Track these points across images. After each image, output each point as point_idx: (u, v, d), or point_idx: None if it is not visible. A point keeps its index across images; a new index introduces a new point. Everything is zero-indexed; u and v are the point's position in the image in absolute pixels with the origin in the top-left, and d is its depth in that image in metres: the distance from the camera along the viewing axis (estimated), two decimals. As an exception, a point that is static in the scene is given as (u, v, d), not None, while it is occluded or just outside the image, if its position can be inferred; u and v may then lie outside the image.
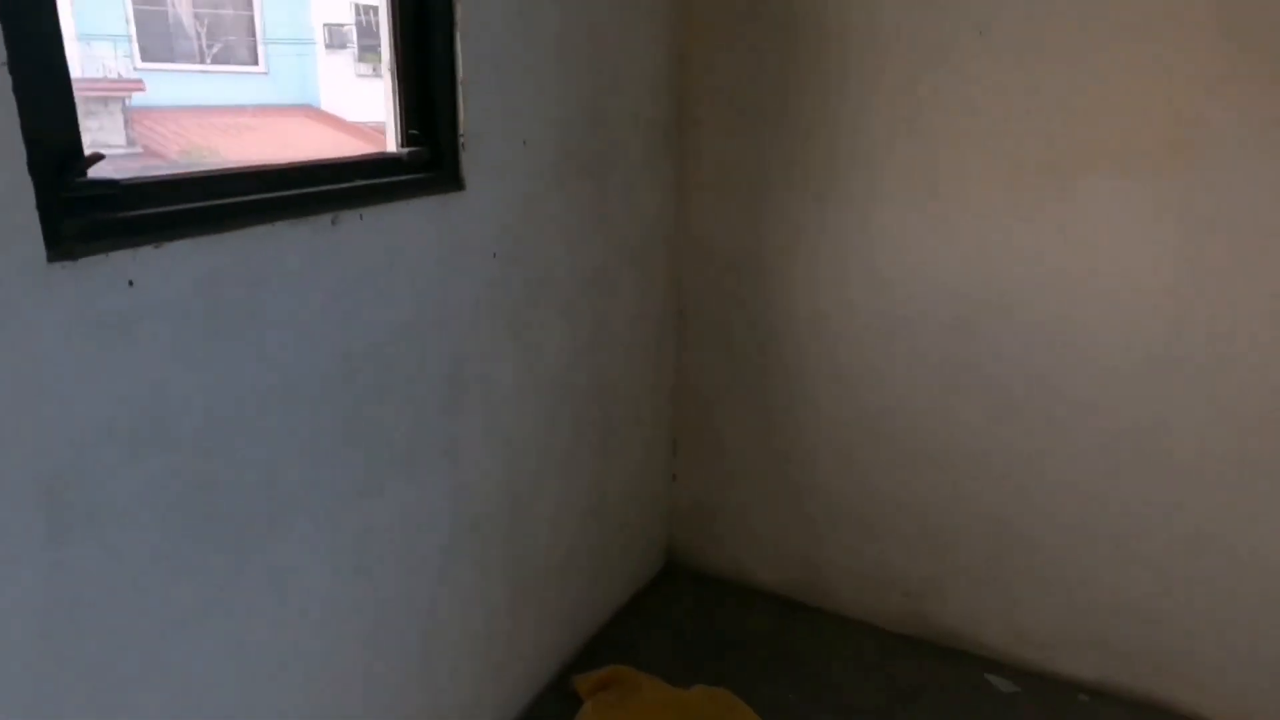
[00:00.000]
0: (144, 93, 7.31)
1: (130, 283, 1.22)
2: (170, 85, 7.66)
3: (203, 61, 8.23)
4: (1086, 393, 2.27)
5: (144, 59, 7.88)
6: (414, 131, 1.72)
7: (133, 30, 7.77)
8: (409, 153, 1.71)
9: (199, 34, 8.17)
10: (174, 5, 8.24)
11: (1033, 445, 2.36)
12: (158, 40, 8.07)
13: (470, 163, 1.80)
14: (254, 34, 8.34)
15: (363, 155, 1.64)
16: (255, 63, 8.41)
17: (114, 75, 7.42)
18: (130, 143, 7.33)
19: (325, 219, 1.50)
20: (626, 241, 2.41)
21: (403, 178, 1.69)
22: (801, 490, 2.71)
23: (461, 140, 1.78)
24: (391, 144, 1.75)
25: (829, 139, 2.41)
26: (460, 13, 1.71)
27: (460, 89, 1.75)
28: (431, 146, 1.75)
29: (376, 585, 1.74)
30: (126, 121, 7.27)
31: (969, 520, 2.50)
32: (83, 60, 7.38)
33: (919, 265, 2.39)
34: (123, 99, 7.15)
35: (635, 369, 2.58)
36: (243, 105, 7.92)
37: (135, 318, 1.24)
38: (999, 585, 2.51)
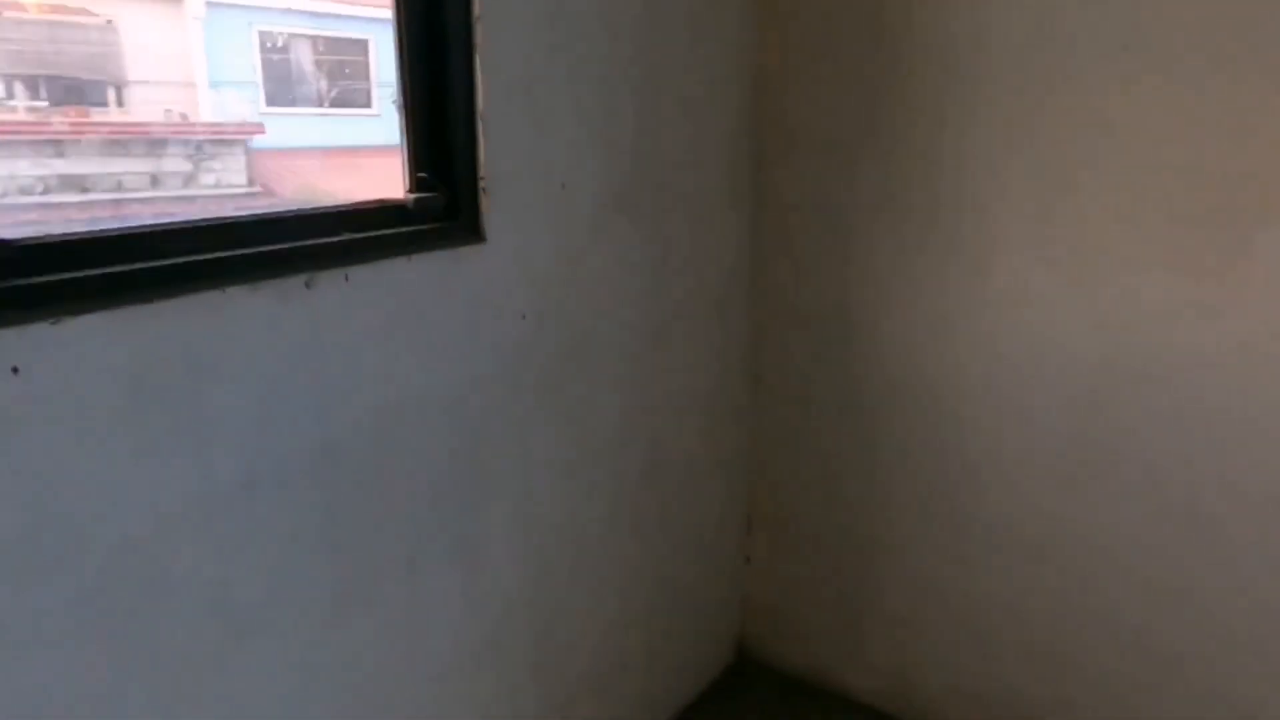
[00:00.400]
0: (264, 135, 7.48)
1: (14, 370, 0.94)
2: (289, 128, 7.83)
3: (321, 105, 8.40)
4: (1271, 491, 1.73)
5: (268, 104, 8.10)
6: (423, 175, 1.41)
7: (259, 77, 8.00)
8: (417, 199, 1.40)
9: (318, 80, 8.35)
10: (296, 53, 8.45)
11: (1197, 554, 1.82)
12: (281, 86, 8.28)
13: (494, 209, 1.48)
14: (369, 78, 8.45)
15: (356, 204, 1.34)
16: (369, 105, 8.52)
17: (238, 120, 7.61)
18: (250, 182, 7.49)
19: (297, 281, 1.20)
20: (690, 295, 2.03)
21: (408, 229, 1.38)
22: (895, 583, 2.24)
23: (482, 184, 1.46)
24: (400, 189, 1.45)
25: (931, 177, 1.98)
26: (481, 34, 1.40)
27: (481, 123, 1.43)
28: (447, 191, 1.44)
29: None
30: (248, 163, 7.44)
31: (1106, 633, 1.97)
32: (213, 106, 7.61)
33: (1043, 327, 1.91)
34: (245, 141, 7.33)
35: (701, 439, 2.19)
36: (355, 146, 8.01)
37: (22, 413, 0.95)
38: (1145, 711, 1.97)
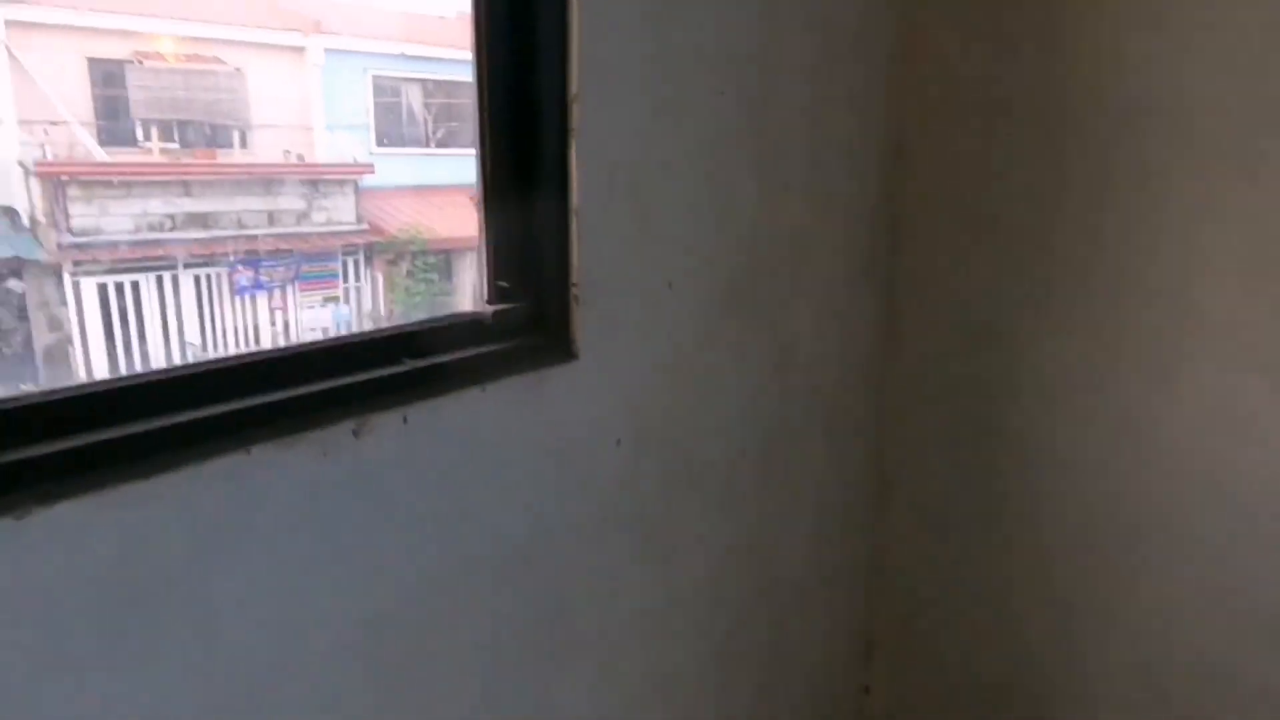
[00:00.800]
0: (373, 175, 7.56)
1: (-38, 582, 0.71)
2: (397, 167, 7.90)
3: (427, 145, 8.48)
4: None
5: (378, 145, 8.22)
6: (504, 283, 1.14)
7: (371, 120, 8.13)
8: (495, 312, 1.13)
9: (426, 121, 8.44)
10: (407, 96, 8.57)
11: None
12: (391, 128, 8.40)
13: (587, 320, 1.19)
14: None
15: (421, 322, 1.07)
16: (474, 146, 8.52)
17: (350, 160, 7.74)
18: (359, 220, 7.59)
19: (342, 430, 0.94)
20: (810, 399, 1.70)
21: (483, 349, 1.11)
22: (1047, 739, 1.83)
23: (574, 291, 1.18)
24: (475, 298, 1.19)
25: (1108, 259, 1.59)
26: (579, 115, 1.12)
27: (575, 219, 1.15)
28: (531, 301, 1.16)
29: None
30: (357, 200, 7.54)
31: None
32: (327, 147, 7.78)
33: (1255, 456, 1.49)
34: (355, 181, 7.43)
35: (816, 558, 1.84)
36: (460, 185, 8.03)
37: (-29, 634, 0.71)
38: None
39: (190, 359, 6.67)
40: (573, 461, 1.21)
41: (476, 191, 1.11)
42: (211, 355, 6.61)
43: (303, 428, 0.90)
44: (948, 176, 1.75)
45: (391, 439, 0.98)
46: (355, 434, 0.95)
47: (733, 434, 1.50)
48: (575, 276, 1.16)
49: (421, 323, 1.07)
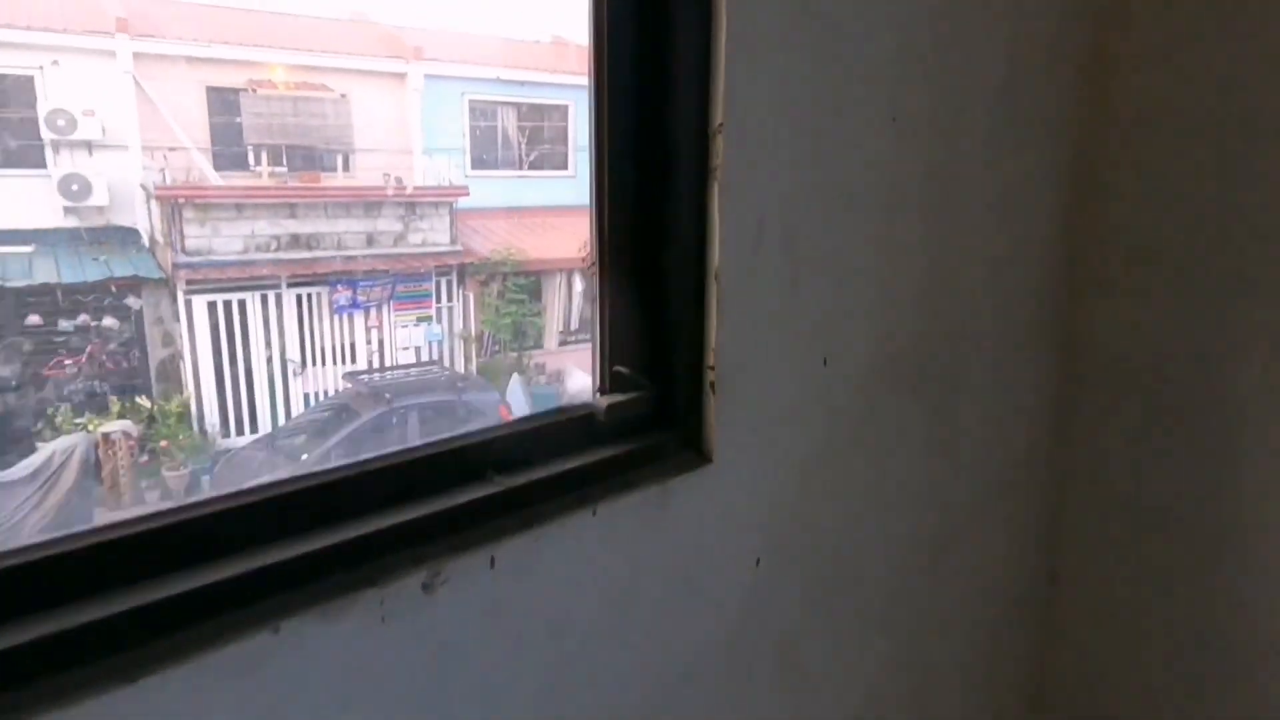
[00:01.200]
0: (467, 197, 7.51)
1: None
2: (490, 189, 7.85)
3: (520, 168, 8.41)
4: None
5: (473, 168, 8.18)
6: (622, 369, 0.86)
7: (466, 144, 8.11)
8: (611, 406, 0.84)
9: (520, 144, 8.37)
10: (502, 120, 8.51)
11: None
12: (486, 151, 8.36)
13: (725, 411, 0.89)
14: (567, 142, 8.37)
15: (514, 424, 0.79)
16: (566, 168, 8.44)
17: (446, 183, 7.71)
18: (453, 240, 7.54)
19: (409, 584, 0.67)
20: (974, 488, 1.34)
21: (594, 456, 0.82)
22: None
23: (711, 375, 0.88)
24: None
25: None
26: (722, 151, 0.83)
27: (715, 284, 0.86)
28: (656, 390, 0.87)
29: None
30: (452, 222, 7.49)
31: None
32: (424, 171, 7.79)
33: None
34: (450, 203, 7.39)
35: (970, 670, 1.48)
36: (551, 206, 7.94)
37: None
38: None
39: (291, 375, 6.65)
40: (703, 591, 0.91)
41: (592, 251, 0.83)
42: (307, 374, 6.59)
43: (353, 585, 0.64)
44: (1147, 213, 1.37)
45: (474, 592, 0.70)
46: (426, 588, 0.67)
47: (891, 537, 1.17)
48: (712, 357, 0.87)
49: (515, 424, 0.79)
